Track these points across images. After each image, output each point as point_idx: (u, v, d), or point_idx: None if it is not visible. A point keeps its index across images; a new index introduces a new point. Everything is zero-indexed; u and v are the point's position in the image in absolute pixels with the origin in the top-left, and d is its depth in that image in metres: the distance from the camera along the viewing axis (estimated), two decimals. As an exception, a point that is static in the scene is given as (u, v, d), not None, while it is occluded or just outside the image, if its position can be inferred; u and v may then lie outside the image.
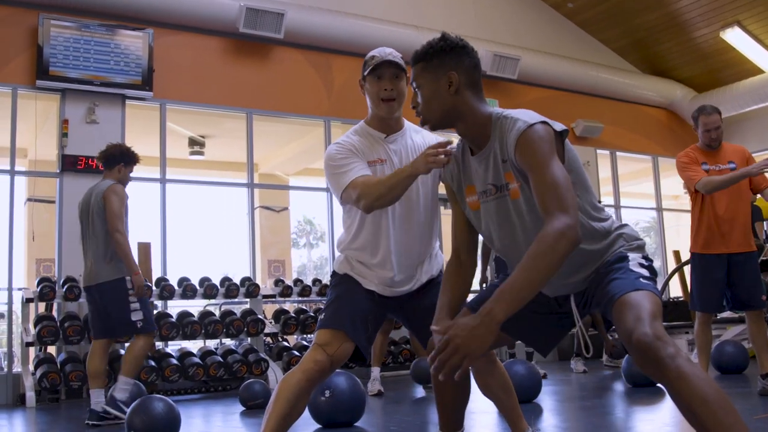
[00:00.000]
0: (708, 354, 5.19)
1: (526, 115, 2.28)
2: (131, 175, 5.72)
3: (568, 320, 2.52)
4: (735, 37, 10.92)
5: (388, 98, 2.97)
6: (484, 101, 2.40)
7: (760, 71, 11.29)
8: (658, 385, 5.68)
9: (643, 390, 5.72)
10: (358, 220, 3.00)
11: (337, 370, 4.38)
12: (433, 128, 2.44)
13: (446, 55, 2.38)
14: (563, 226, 2.04)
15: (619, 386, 6.26)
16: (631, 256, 2.31)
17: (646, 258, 2.34)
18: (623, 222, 2.44)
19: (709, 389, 1.88)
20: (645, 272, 2.24)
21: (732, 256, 4.97)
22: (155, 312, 7.56)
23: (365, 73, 3.00)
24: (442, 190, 2.83)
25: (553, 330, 2.59)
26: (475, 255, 2.59)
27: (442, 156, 2.55)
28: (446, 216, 3.43)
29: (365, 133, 3.04)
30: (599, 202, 2.40)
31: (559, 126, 2.29)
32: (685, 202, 13.45)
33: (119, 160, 5.62)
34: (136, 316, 5.25)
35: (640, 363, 1.98)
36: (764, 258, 7.89)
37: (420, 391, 6.62)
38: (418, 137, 3.10)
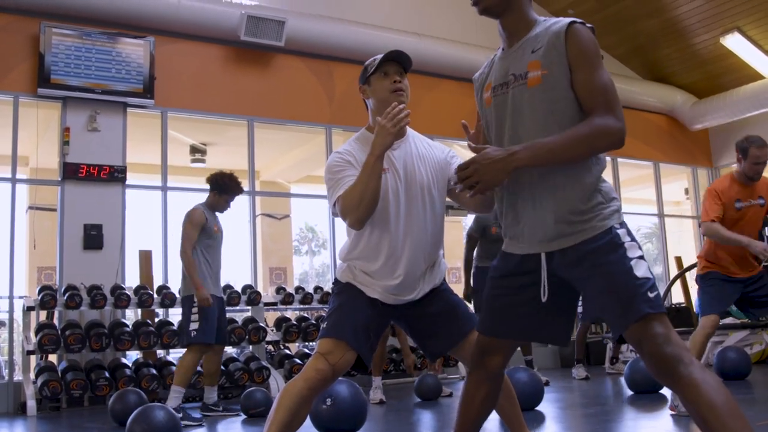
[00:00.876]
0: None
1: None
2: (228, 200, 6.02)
3: (559, 297, 2.35)
4: (735, 43, 10.93)
5: (398, 89, 2.95)
6: (532, 8, 2.43)
7: (760, 77, 11.30)
8: (660, 391, 5.69)
9: (645, 397, 5.71)
10: (367, 235, 2.97)
11: (340, 379, 4.38)
12: (486, 11, 2.38)
13: None
14: (612, 126, 2.15)
15: (621, 393, 6.24)
16: (618, 232, 2.22)
17: (626, 228, 2.27)
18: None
19: (718, 396, 1.92)
20: (638, 252, 2.20)
21: (750, 278, 4.98)
22: (156, 320, 7.56)
23: (369, 73, 2.99)
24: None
25: (557, 315, 2.40)
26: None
27: (402, 115, 2.65)
28: (449, 224, 3.41)
29: (367, 141, 2.94)
30: None
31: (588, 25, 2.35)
32: (687, 207, 13.51)
33: (213, 187, 5.98)
34: (193, 327, 5.67)
35: (654, 372, 2.03)
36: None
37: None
38: (422, 145, 3.05)
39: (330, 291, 3.27)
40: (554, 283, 2.32)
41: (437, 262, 3.08)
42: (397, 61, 3.00)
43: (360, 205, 2.76)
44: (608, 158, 11.74)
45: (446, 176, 3.00)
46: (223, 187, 5.93)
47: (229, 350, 8.30)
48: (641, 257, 2.20)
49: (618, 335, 2.17)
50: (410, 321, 3.07)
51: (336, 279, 3.11)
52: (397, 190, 2.92)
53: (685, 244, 12.81)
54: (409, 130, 3.08)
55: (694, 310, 6.73)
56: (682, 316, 9.81)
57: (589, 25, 2.31)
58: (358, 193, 2.75)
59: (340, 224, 9.89)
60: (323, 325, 2.98)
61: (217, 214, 6.02)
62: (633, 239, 2.24)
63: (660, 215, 12.26)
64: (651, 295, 2.11)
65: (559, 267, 2.29)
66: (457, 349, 3.02)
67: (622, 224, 2.26)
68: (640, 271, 2.15)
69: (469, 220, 10.31)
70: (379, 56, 2.99)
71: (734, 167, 5.13)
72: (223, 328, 6.03)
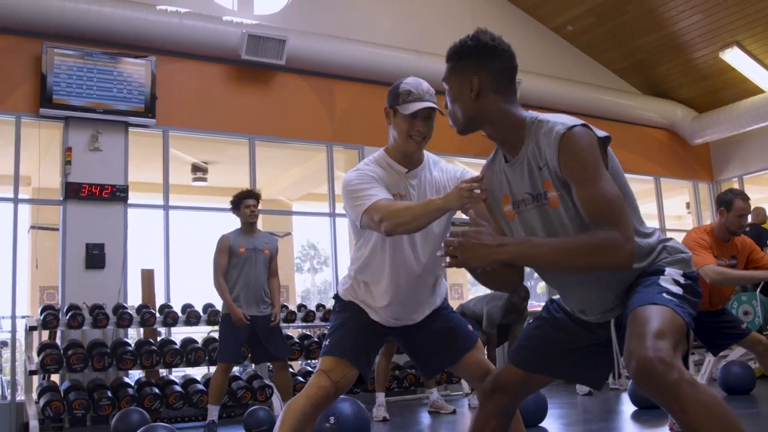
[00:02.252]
0: None
1: (564, 118, 2.16)
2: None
3: (609, 347, 2.30)
4: (734, 58, 10.96)
5: (418, 137, 2.90)
6: (515, 104, 2.24)
7: (760, 91, 11.32)
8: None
9: (649, 412, 5.69)
10: (368, 253, 2.97)
11: (342, 396, 4.36)
12: (460, 132, 2.32)
13: (473, 57, 2.23)
14: (616, 240, 1.96)
15: (625, 408, 6.22)
16: (668, 270, 2.12)
17: (686, 275, 2.13)
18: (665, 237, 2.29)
19: (714, 419, 1.75)
20: (676, 289, 2.05)
21: (708, 312, 4.95)
22: (159, 339, 7.55)
23: (397, 106, 2.90)
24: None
25: (600, 360, 2.39)
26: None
27: (478, 191, 2.44)
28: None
29: (386, 165, 2.95)
30: None
31: (601, 132, 2.16)
32: (688, 222, 13.49)
33: (231, 205, 6.27)
34: (219, 346, 6.13)
35: (639, 387, 1.84)
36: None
37: (425, 417, 6.57)
38: (436, 170, 3.02)
39: (332, 309, 3.26)
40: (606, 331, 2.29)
41: (438, 284, 3.09)
42: (430, 107, 2.90)
43: (401, 227, 2.70)
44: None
45: None
46: (232, 203, 6.23)
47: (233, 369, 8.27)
48: (676, 294, 2.04)
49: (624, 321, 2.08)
50: (409, 340, 3.09)
51: (338, 296, 3.11)
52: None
53: (688, 258, 12.78)
54: (426, 154, 3.03)
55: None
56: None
57: (581, 123, 2.13)
58: (408, 218, 2.67)
59: (342, 242, 9.91)
60: (325, 343, 2.98)
61: (252, 237, 6.18)
62: (681, 286, 2.08)
63: (662, 230, 12.26)
64: (671, 296, 2.01)
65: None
66: (457, 367, 3.02)
67: (685, 275, 2.13)
68: (668, 286, 2.06)
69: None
70: (413, 90, 2.90)
71: (712, 221, 5.09)
72: (264, 345, 6.11)
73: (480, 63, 2.22)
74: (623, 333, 2.05)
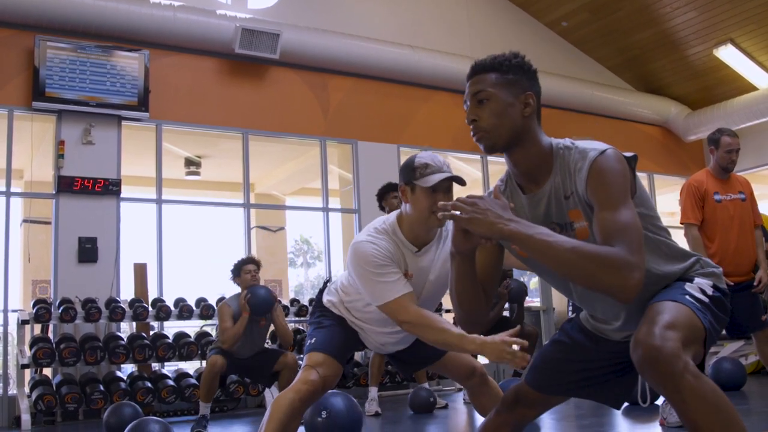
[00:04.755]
0: None
1: (594, 144, 2.06)
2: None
3: (630, 369, 2.25)
4: (728, 55, 10.98)
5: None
6: (543, 132, 2.15)
7: (753, 88, 11.35)
8: (656, 403, 5.68)
9: (641, 408, 5.70)
10: (365, 305, 3.01)
11: (334, 391, 4.37)
12: (493, 149, 2.11)
13: (525, 74, 2.15)
14: (628, 262, 1.82)
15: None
16: (698, 279, 2.07)
17: (716, 288, 2.08)
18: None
19: (715, 414, 1.76)
20: (702, 297, 2.00)
21: (737, 285, 4.93)
22: (151, 333, 7.54)
23: (415, 181, 2.81)
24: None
25: (622, 379, 2.33)
26: (494, 294, 2.29)
27: (519, 359, 2.34)
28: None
29: (398, 241, 2.90)
30: None
31: (628, 153, 2.07)
32: (681, 219, 13.50)
33: (232, 273, 6.29)
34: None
35: (643, 375, 1.82)
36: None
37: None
38: (446, 244, 2.93)
39: (311, 313, 3.27)
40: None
41: None
42: (452, 180, 2.83)
43: (422, 337, 2.74)
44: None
45: None
46: (232, 271, 6.24)
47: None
48: (700, 300, 2.00)
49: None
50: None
51: (324, 307, 3.14)
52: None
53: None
54: (448, 225, 2.81)
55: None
56: (718, 333, 9.78)
57: (612, 148, 2.03)
58: (435, 338, 2.65)
59: (335, 236, 9.87)
60: (310, 341, 3.00)
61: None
62: (708, 296, 2.03)
63: (655, 226, 12.29)
64: (693, 299, 1.98)
65: None
66: (440, 365, 3.07)
67: (715, 287, 2.09)
68: (692, 291, 2.02)
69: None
70: (431, 163, 2.81)
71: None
72: (257, 366, 6.11)
73: (531, 82, 2.15)
74: None
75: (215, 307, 7.74)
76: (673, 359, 1.74)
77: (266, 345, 6.37)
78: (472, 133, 2.12)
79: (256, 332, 6.09)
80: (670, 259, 2.14)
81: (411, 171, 2.82)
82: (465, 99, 2.16)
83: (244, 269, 6.15)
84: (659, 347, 1.76)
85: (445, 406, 6.78)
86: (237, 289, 6.21)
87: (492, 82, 2.11)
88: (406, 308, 2.71)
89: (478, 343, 2.49)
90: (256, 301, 5.96)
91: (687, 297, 1.97)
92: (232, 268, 6.26)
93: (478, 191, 2.31)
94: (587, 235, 2.02)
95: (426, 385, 6.99)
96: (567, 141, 2.12)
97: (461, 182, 2.83)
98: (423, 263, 2.92)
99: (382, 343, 3.09)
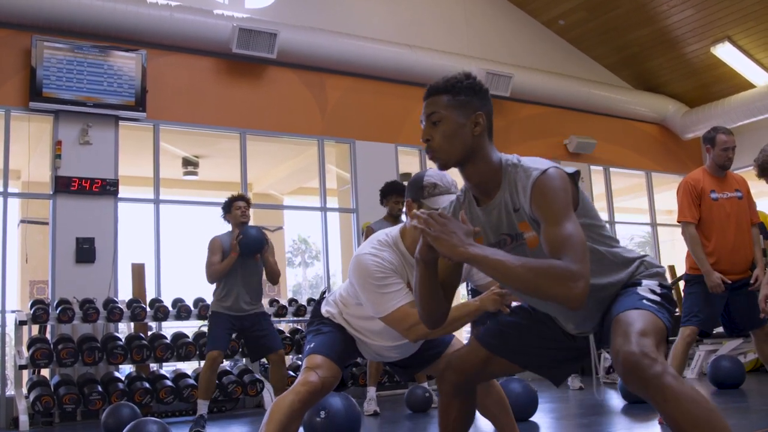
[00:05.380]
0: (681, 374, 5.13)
1: (538, 162, 2.20)
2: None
3: (584, 353, 2.48)
4: (726, 53, 10.98)
5: None
6: (494, 148, 2.30)
7: (751, 86, 11.35)
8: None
9: (639, 406, 5.70)
10: (368, 317, 3.01)
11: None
12: (446, 166, 2.26)
13: (475, 95, 2.26)
14: (573, 271, 1.96)
15: (616, 403, 6.24)
16: (645, 282, 2.26)
17: (662, 285, 2.27)
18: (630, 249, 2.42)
19: (697, 409, 1.84)
20: (654, 297, 2.18)
21: (735, 282, 4.93)
22: (149, 333, 7.53)
23: (422, 200, 2.87)
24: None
25: (568, 362, 2.55)
26: (453, 296, 2.42)
27: (508, 296, 2.67)
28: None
29: (400, 253, 2.93)
30: None
31: (570, 169, 2.23)
32: (679, 217, 13.49)
33: (222, 210, 6.24)
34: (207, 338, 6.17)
35: (626, 381, 1.95)
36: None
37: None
38: None
39: (309, 322, 3.28)
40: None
41: None
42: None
43: (434, 334, 2.76)
44: (600, 168, 11.78)
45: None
46: (223, 207, 6.24)
47: (223, 363, 8.26)
48: (654, 301, 2.17)
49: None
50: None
51: (323, 317, 3.14)
52: None
53: (678, 252, 12.76)
54: None
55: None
56: (677, 326, 9.80)
57: (553, 165, 2.18)
58: (450, 322, 2.69)
59: (334, 236, 9.87)
60: (309, 345, 3.00)
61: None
62: (658, 295, 2.21)
63: (653, 224, 12.29)
64: (649, 302, 2.14)
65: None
66: (435, 369, 3.08)
67: (660, 285, 2.27)
68: (646, 294, 2.20)
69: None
70: (439, 183, 2.87)
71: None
72: (257, 337, 6.08)
73: (482, 102, 2.27)
74: (603, 344, 2.30)
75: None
76: (653, 363, 1.88)
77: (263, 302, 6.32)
78: (425, 151, 2.28)
79: (252, 268, 6.10)
80: (616, 267, 2.31)
81: (419, 189, 2.88)
82: (421, 119, 2.29)
83: (235, 205, 6.12)
84: (638, 354, 1.90)
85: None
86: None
87: (444, 104, 2.24)
88: (408, 314, 2.75)
89: (478, 304, 2.72)
90: (247, 241, 5.97)
91: (644, 302, 2.14)
92: (222, 204, 6.24)
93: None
94: (537, 243, 2.16)
95: (425, 384, 6.98)
96: (514, 158, 2.26)
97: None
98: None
99: (380, 354, 3.10)
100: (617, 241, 2.37)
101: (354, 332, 3.07)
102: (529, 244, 2.20)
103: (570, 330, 2.41)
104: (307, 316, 8.37)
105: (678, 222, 5.02)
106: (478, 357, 2.47)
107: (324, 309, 3.15)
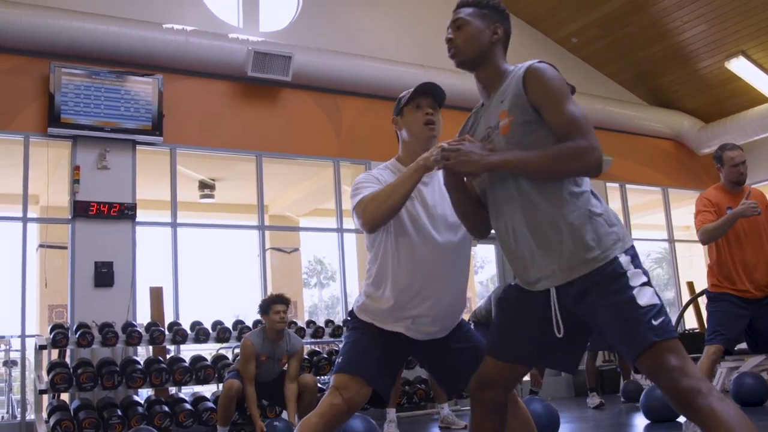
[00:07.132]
0: None
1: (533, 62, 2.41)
2: None
3: (575, 332, 2.39)
4: (740, 67, 10.95)
5: (429, 122, 2.97)
6: (506, 62, 2.55)
7: (766, 100, 11.30)
8: (677, 419, 5.63)
9: (661, 426, 5.65)
10: (381, 257, 2.93)
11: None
12: (462, 64, 2.56)
13: (497, 11, 2.55)
14: (586, 147, 2.22)
15: (638, 421, 6.18)
16: (623, 263, 2.24)
17: (631, 255, 2.28)
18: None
19: (738, 425, 1.95)
20: (642, 279, 2.22)
21: (759, 300, 4.90)
22: (168, 356, 7.54)
23: (402, 105, 3.02)
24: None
25: (567, 345, 2.43)
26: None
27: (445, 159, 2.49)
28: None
29: (397, 169, 2.99)
30: None
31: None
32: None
33: (260, 309, 6.14)
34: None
35: (673, 404, 2.09)
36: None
37: None
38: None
39: (341, 324, 3.25)
40: (566, 315, 2.34)
41: (465, 291, 3.06)
42: (431, 95, 3.02)
43: (382, 205, 2.72)
44: (616, 184, 11.74)
45: None
46: (261, 306, 6.12)
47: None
48: (646, 283, 2.22)
49: (630, 359, 2.20)
50: (433, 357, 3.02)
51: (353, 312, 3.07)
52: (423, 220, 2.89)
53: (697, 268, 12.72)
54: None
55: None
56: (696, 342, 9.71)
57: (548, 63, 2.40)
58: (386, 193, 2.74)
59: (350, 257, 9.85)
60: (338, 360, 2.95)
61: (276, 345, 6.07)
62: (637, 266, 2.27)
63: (670, 240, 12.22)
64: (656, 322, 2.14)
65: (567, 300, 2.32)
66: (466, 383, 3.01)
67: (628, 251, 2.29)
68: (643, 299, 2.18)
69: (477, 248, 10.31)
70: (412, 88, 3.02)
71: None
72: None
73: (502, 19, 2.56)
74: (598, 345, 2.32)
75: (231, 330, 7.75)
76: (704, 398, 2.02)
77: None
78: (447, 50, 2.59)
79: (276, 365, 6.12)
80: (566, 204, 2.31)
81: (397, 103, 3.06)
82: (448, 27, 2.59)
83: (274, 308, 5.96)
84: (689, 394, 2.04)
85: (464, 428, 6.73)
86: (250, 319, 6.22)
87: (469, 12, 2.55)
88: (361, 202, 2.81)
89: (414, 166, 2.71)
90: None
91: (653, 322, 2.14)
92: (260, 302, 6.14)
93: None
94: (508, 130, 2.36)
95: (446, 405, 6.94)
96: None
97: (438, 92, 3.01)
98: (426, 179, 2.90)
99: (415, 314, 2.93)
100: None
101: (380, 315, 2.94)
102: (501, 131, 2.39)
103: (532, 279, 2.38)
104: (325, 338, 8.36)
105: (697, 230, 4.96)
106: (497, 368, 2.48)
107: (355, 306, 3.07)
